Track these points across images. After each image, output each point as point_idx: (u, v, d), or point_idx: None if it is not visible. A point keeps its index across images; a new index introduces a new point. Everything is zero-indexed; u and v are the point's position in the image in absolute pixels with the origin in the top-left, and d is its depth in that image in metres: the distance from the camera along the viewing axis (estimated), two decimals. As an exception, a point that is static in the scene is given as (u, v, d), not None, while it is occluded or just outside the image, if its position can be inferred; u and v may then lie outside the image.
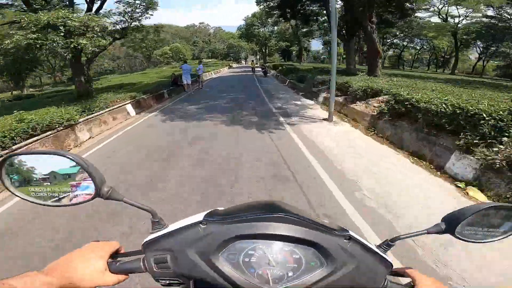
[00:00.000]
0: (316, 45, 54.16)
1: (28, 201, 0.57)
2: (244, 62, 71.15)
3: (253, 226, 0.53)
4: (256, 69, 22.71)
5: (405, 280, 0.62)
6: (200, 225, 0.55)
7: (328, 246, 0.53)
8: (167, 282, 0.57)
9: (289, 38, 44.43)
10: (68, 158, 0.53)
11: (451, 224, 0.59)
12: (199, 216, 0.58)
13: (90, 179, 0.55)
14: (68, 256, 0.53)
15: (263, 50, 54.89)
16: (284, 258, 0.52)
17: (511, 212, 0.60)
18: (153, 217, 0.60)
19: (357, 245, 0.56)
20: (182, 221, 0.59)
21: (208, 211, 0.60)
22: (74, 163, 0.54)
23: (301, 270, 0.52)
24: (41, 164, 0.56)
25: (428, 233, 0.61)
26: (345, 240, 0.55)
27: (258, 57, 63.97)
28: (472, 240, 0.61)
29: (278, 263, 0.52)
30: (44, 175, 0.56)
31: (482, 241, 0.62)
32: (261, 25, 49.82)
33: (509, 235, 0.62)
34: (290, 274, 0.51)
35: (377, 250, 0.60)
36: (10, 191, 0.55)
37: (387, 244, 0.63)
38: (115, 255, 0.60)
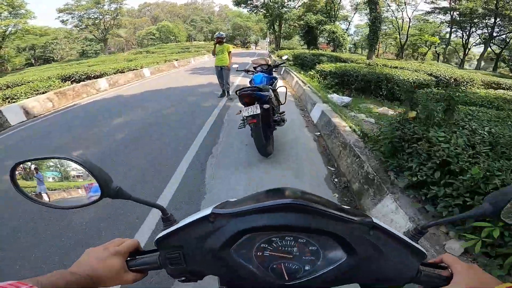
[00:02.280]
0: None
1: (42, 204, 0.58)
2: (254, 48, 57.41)
3: (263, 217, 0.47)
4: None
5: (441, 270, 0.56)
6: (209, 218, 0.50)
7: (348, 236, 0.47)
8: (183, 278, 0.57)
9: (323, 9, 27.19)
10: (74, 161, 0.52)
11: (496, 205, 0.49)
12: (209, 210, 0.52)
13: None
14: (92, 253, 0.54)
15: (275, 27, 31.24)
16: (299, 250, 0.49)
17: None
18: (162, 214, 0.59)
19: (382, 234, 0.50)
20: (192, 216, 0.55)
21: (218, 204, 0.54)
22: (80, 166, 0.53)
23: (319, 263, 0.49)
24: (50, 168, 0.59)
25: (468, 217, 0.53)
26: (368, 229, 0.49)
27: (268, 40, 47.77)
28: None
29: (293, 256, 0.49)
30: (54, 178, 0.59)
31: None
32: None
33: None
34: (307, 268, 0.49)
35: (405, 238, 0.53)
36: (24, 196, 0.56)
37: (418, 232, 0.57)
38: (133, 253, 0.59)
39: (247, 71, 4.20)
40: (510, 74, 26.43)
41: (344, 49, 27.28)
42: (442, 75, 8.65)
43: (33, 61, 45.37)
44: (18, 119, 5.55)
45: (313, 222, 0.46)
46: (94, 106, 6.42)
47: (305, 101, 6.18)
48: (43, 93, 6.88)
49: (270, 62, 4.14)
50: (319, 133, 4.33)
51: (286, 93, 3.95)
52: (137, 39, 54.50)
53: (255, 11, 31.50)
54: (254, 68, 4.07)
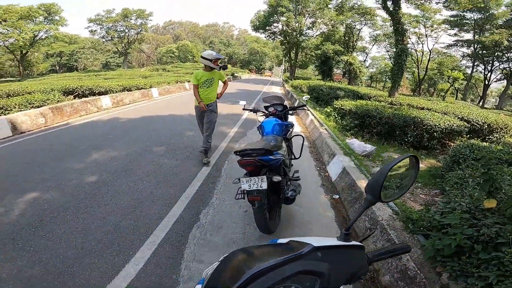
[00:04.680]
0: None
1: None
2: (270, 74, 57.64)
3: None
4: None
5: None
6: None
7: (307, 268, 0.54)
8: None
9: (341, 39, 26.33)
10: None
11: (374, 191, 0.71)
12: None
13: None
14: None
15: (291, 55, 30.35)
16: None
17: (411, 161, 0.78)
18: None
19: (327, 249, 0.60)
20: None
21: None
22: None
23: None
24: None
25: (364, 209, 0.74)
26: (315, 252, 0.57)
27: (283, 68, 46.46)
28: (395, 198, 0.79)
29: None
30: None
31: (400, 195, 0.79)
32: (293, 8, 26.77)
33: (414, 181, 0.81)
34: None
35: (342, 243, 0.66)
36: None
37: (345, 235, 0.69)
38: None
39: (255, 111, 3.39)
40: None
41: (360, 81, 26.77)
42: (474, 120, 7.70)
43: (57, 67, 47.33)
44: (2, 133, 4.98)
45: (274, 277, 0.49)
46: (83, 129, 5.74)
47: (321, 149, 5.27)
48: (38, 106, 6.41)
49: (285, 102, 3.34)
50: (337, 196, 3.40)
51: (303, 145, 3.13)
52: (158, 55, 56.48)
53: (273, 38, 31.63)
54: (266, 108, 3.25)
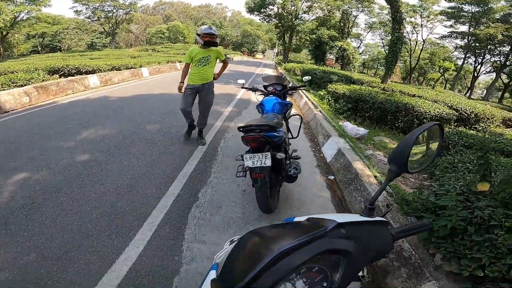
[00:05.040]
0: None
1: None
2: (262, 57, 56.15)
3: (265, 282, 0.45)
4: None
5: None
6: None
7: (332, 247, 0.52)
8: None
9: (336, 24, 25.57)
10: None
11: (400, 161, 0.67)
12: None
13: None
14: None
15: (285, 39, 29.76)
16: (308, 277, 0.51)
17: (431, 132, 0.76)
18: None
19: (350, 226, 0.57)
20: None
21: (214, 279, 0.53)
22: None
23: (332, 274, 0.52)
24: None
25: (389, 181, 0.71)
26: (338, 229, 0.54)
27: (276, 50, 45.47)
28: (422, 169, 0.79)
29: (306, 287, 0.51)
30: None
31: (426, 165, 0.79)
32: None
33: (439, 151, 0.77)
34: (324, 284, 0.52)
35: (366, 218, 0.64)
36: None
37: (369, 209, 0.68)
38: None
39: (254, 90, 3.34)
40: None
41: (353, 67, 26.70)
42: (462, 109, 7.89)
43: (39, 48, 44.69)
44: (-16, 112, 4.74)
45: (300, 257, 0.47)
46: (70, 108, 5.48)
47: (315, 130, 5.32)
48: (22, 85, 6.08)
49: (285, 82, 3.29)
50: (333, 177, 3.46)
51: (301, 124, 3.11)
52: (147, 36, 54.14)
53: (267, 20, 30.71)
54: (265, 87, 3.21)
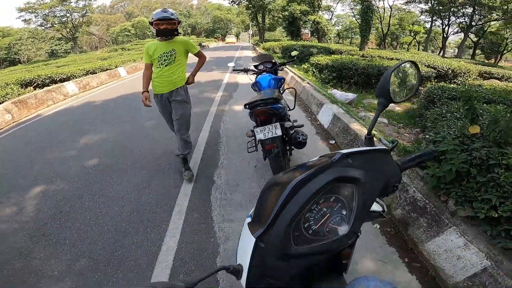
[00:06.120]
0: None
1: None
2: (235, 40, 54.38)
3: (290, 211, 0.52)
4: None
5: None
6: (259, 244, 0.54)
7: (342, 174, 0.56)
8: None
9: None
10: None
11: (384, 94, 0.76)
12: (251, 238, 0.55)
13: None
14: None
15: (258, 19, 29.70)
16: (327, 206, 0.56)
17: (406, 68, 0.85)
18: (227, 271, 0.57)
19: (355, 155, 0.60)
20: (242, 251, 0.59)
21: (256, 232, 0.55)
22: None
23: (348, 202, 0.57)
24: None
25: (380, 112, 0.78)
26: (345, 159, 0.58)
27: (250, 32, 44.07)
28: (405, 99, 0.86)
29: (329, 213, 0.56)
30: None
31: (409, 96, 0.86)
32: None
33: (420, 83, 0.92)
34: (344, 212, 0.57)
35: (367, 148, 0.66)
36: None
37: (368, 139, 0.78)
38: None
39: (246, 71, 3.38)
40: (486, 61, 27.16)
41: (329, 39, 26.71)
42: (440, 67, 8.27)
43: (-3, 63, 41.60)
44: (-33, 137, 4.51)
45: (315, 186, 0.53)
46: (57, 118, 5.33)
47: (307, 101, 5.48)
48: (0, 103, 5.79)
49: (274, 60, 3.37)
50: (334, 141, 3.66)
51: (295, 96, 3.24)
52: (111, 36, 51.27)
53: (237, 3, 29.87)
54: (255, 66, 3.28)
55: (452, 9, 27.08)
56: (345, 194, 0.57)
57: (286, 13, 23.70)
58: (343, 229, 0.56)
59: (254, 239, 0.54)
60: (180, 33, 2.63)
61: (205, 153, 3.31)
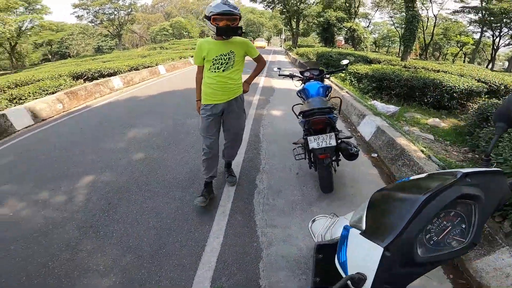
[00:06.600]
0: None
1: None
2: (265, 44, 54.51)
3: (416, 224, 0.56)
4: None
5: None
6: (386, 253, 0.57)
7: (465, 192, 0.58)
8: None
9: (342, 5, 24.37)
10: None
11: (506, 118, 0.75)
12: (380, 249, 0.58)
13: None
14: None
15: (292, 24, 28.96)
16: (448, 220, 0.60)
17: None
18: (352, 280, 0.60)
19: (474, 175, 0.62)
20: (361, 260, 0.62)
21: (383, 241, 0.58)
22: None
23: (467, 216, 0.61)
24: None
25: (499, 136, 0.78)
26: (464, 178, 0.60)
27: (283, 37, 44.70)
28: None
29: (451, 226, 0.61)
30: None
31: None
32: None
33: None
34: (463, 226, 0.61)
35: (487, 169, 0.67)
36: None
37: (486, 161, 0.80)
38: None
39: (292, 76, 3.34)
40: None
41: (365, 47, 25.91)
42: (491, 81, 7.60)
43: (49, 56, 45.80)
44: (24, 123, 4.95)
45: (439, 203, 0.56)
46: (105, 110, 5.69)
47: (346, 110, 5.28)
48: (53, 93, 6.31)
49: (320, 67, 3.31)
50: (376, 154, 3.49)
51: (340, 106, 3.15)
52: (151, 35, 54.19)
53: (271, 7, 29.97)
54: (301, 73, 3.25)
55: (504, 19, 25.06)
56: (465, 210, 0.61)
57: (322, 19, 23.36)
58: (464, 241, 0.61)
59: (380, 248, 0.57)
60: (243, 32, 2.11)
61: (247, 156, 3.30)
